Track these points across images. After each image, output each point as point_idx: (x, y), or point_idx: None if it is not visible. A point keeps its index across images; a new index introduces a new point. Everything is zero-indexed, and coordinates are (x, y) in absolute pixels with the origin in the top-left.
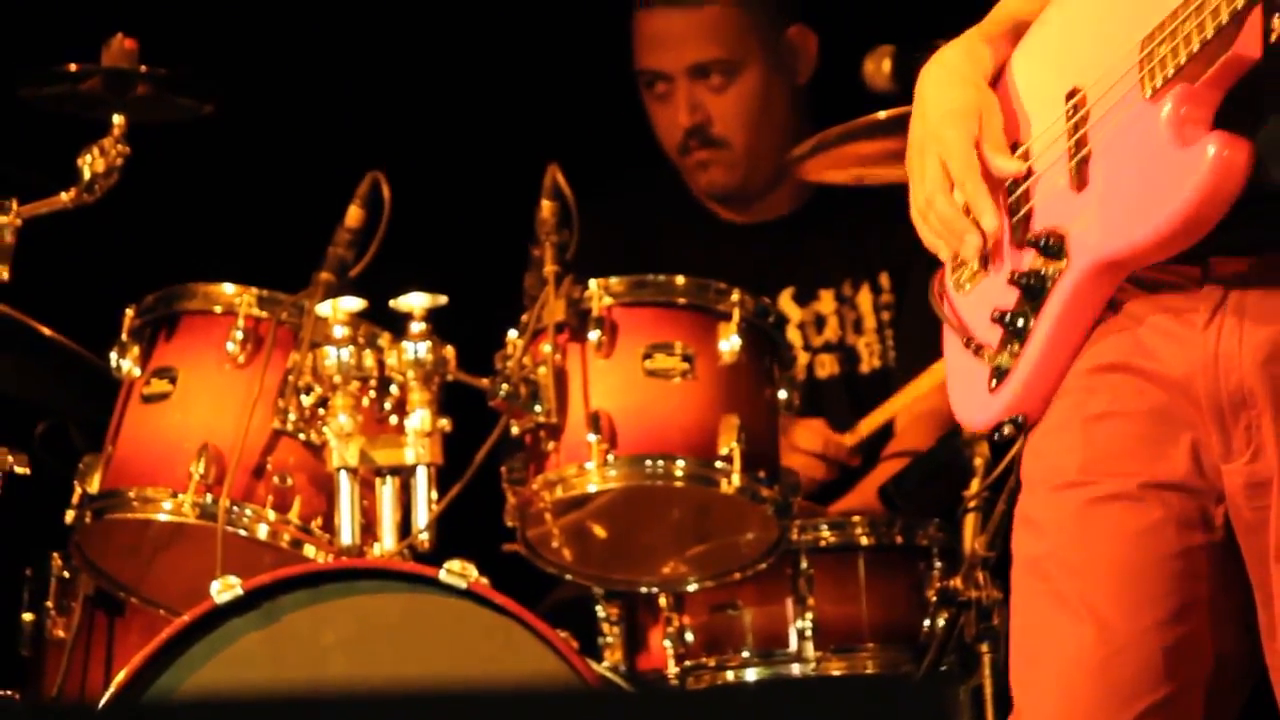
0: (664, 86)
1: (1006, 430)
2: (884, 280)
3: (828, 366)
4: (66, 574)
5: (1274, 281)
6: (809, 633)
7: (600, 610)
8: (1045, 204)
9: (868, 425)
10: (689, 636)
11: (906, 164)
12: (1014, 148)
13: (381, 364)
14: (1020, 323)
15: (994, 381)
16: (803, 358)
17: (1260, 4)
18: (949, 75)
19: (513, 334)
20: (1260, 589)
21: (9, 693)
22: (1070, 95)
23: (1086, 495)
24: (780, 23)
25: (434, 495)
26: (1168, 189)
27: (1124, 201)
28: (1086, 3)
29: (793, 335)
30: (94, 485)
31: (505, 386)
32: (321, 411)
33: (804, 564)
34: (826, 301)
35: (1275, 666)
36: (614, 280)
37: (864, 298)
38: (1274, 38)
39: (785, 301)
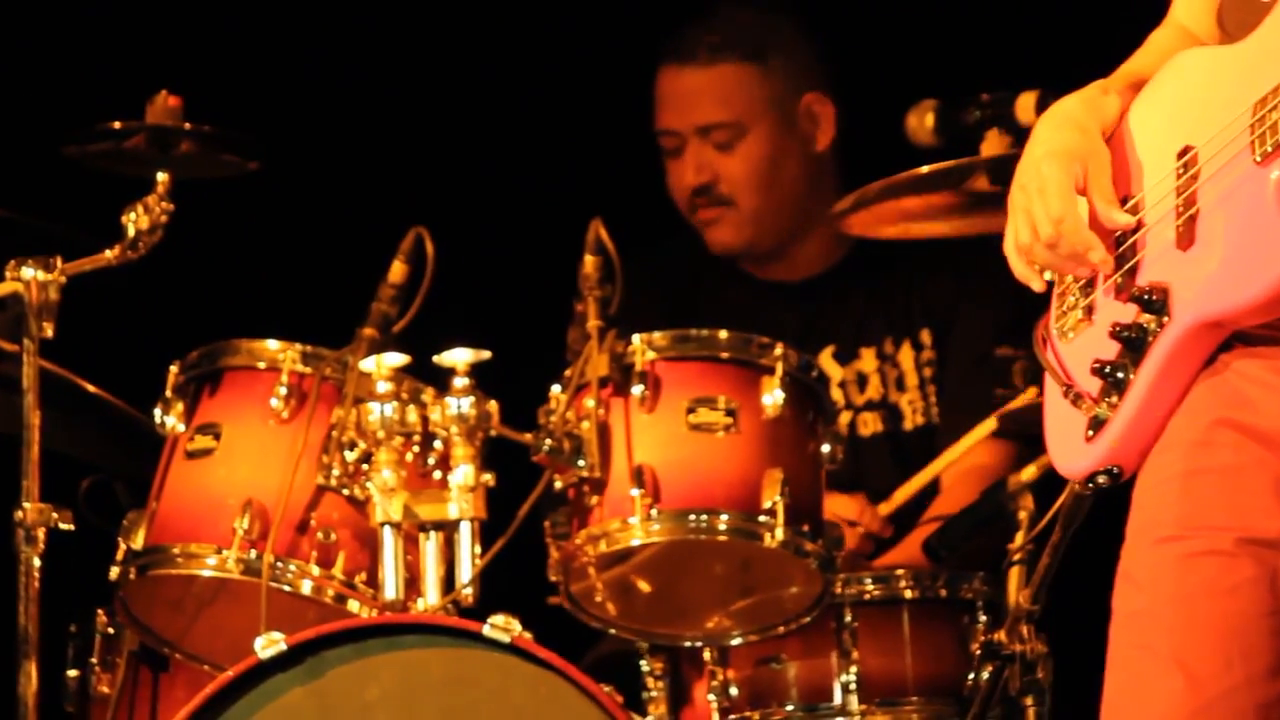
0: (674, 143)
1: (1101, 480)
2: (925, 337)
3: (871, 425)
4: (111, 630)
5: None
6: (853, 686)
7: (644, 664)
8: (1151, 259)
9: (903, 494)
10: (733, 690)
11: (1009, 200)
12: (1124, 200)
13: (425, 419)
14: (1120, 375)
15: (1091, 431)
16: (845, 416)
17: None
18: (1062, 119)
19: (556, 389)
20: None
21: None
22: (1182, 153)
23: (1182, 550)
24: (796, 88)
25: (477, 550)
26: (1272, 254)
27: (1228, 263)
28: (1202, 62)
29: (834, 394)
30: (138, 541)
31: (549, 441)
32: (365, 467)
33: (848, 617)
34: (868, 360)
35: None
36: (657, 335)
37: (905, 355)
38: None
39: (826, 360)
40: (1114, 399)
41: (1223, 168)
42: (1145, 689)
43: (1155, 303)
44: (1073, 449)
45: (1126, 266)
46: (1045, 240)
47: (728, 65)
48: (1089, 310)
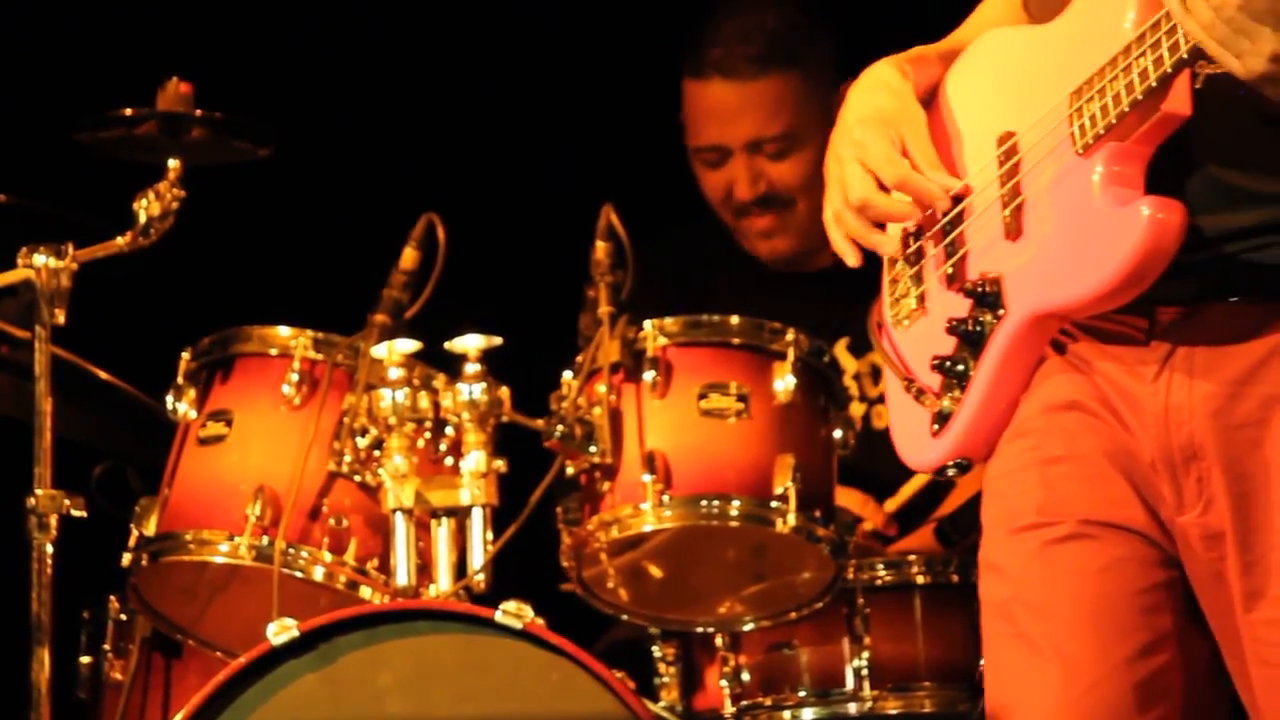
0: (717, 156)
1: (951, 473)
2: None
3: (885, 417)
4: (124, 616)
5: (1219, 333)
6: (865, 671)
7: (656, 650)
8: (980, 249)
9: (909, 489)
10: (745, 676)
11: (825, 169)
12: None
13: (437, 405)
14: (960, 368)
15: (937, 426)
16: (859, 408)
17: (1187, 67)
18: (874, 84)
19: (568, 375)
20: (1223, 636)
21: None
22: (1003, 139)
23: (1046, 536)
24: (832, 84)
25: (489, 536)
26: (1104, 248)
27: (1060, 256)
28: (1015, 44)
29: (849, 386)
30: (150, 528)
31: (560, 427)
32: (377, 453)
33: (860, 603)
34: None
35: (1250, 705)
36: (669, 321)
37: None
38: (1199, 85)
39: (841, 352)
40: (956, 393)
41: (1045, 157)
42: (1025, 678)
43: (988, 295)
44: (919, 443)
45: (955, 257)
46: (856, 204)
47: (773, 77)
48: (921, 299)
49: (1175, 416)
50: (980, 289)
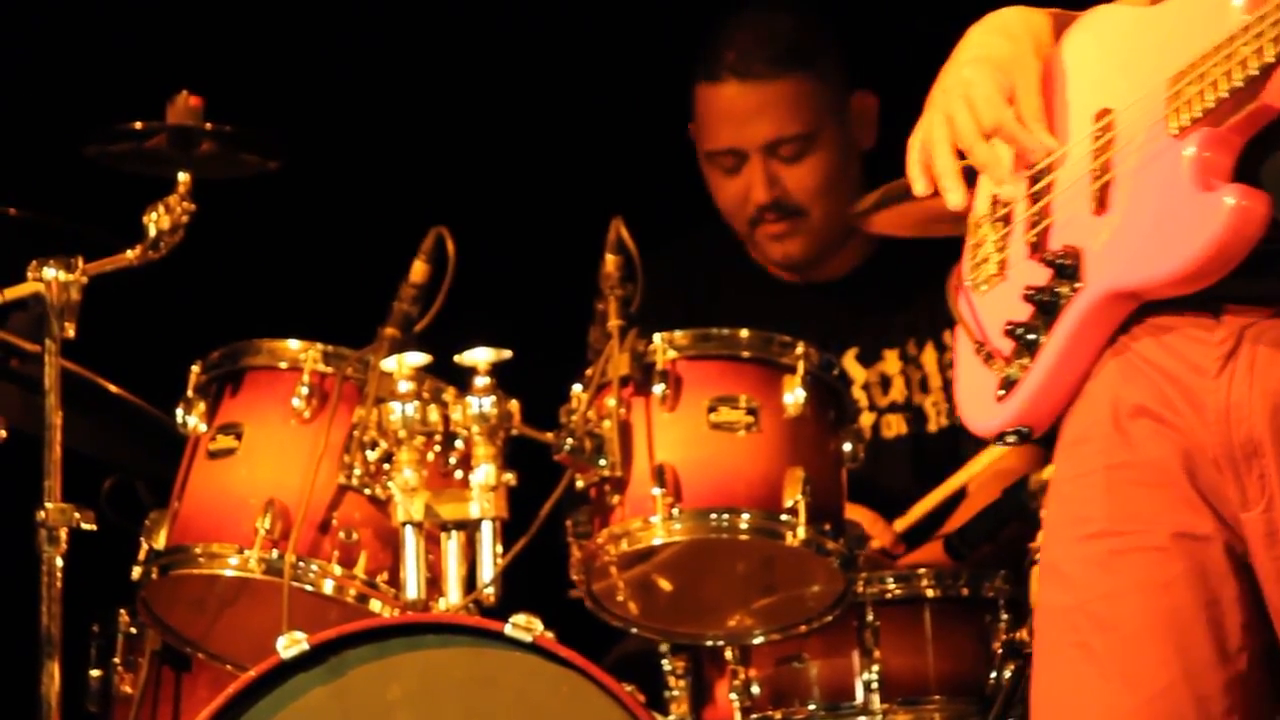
0: (732, 161)
1: (1010, 439)
2: (948, 338)
3: (894, 427)
4: (133, 630)
5: None
6: (875, 685)
7: (666, 663)
8: (1065, 221)
9: (919, 510)
10: (755, 689)
11: (928, 98)
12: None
13: (446, 419)
14: (1032, 337)
15: (1002, 391)
16: (868, 418)
17: None
18: (995, 28)
19: (577, 388)
20: None
21: None
22: (1100, 115)
23: (1113, 546)
24: (846, 87)
25: (499, 549)
26: (1186, 231)
27: (1143, 234)
28: (1122, 23)
29: (858, 396)
30: (160, 541)
31: (570, 440)
32: (387, 466)
33: (870, 616)
34: (891, 362)
35: None
36: (678, 334)
37: (929, 356)
38: None
39: (849, 362)
40: (1026, 360)
41: (1139, 136)
42: (1081, 688)
43: (1068, 267)
44: (983, 406)
45: (1040, 227)
46: (963, 146)
47: (789, 78)
48: (1001, 265)
49: (1236, 414)
50: (1061, 260)
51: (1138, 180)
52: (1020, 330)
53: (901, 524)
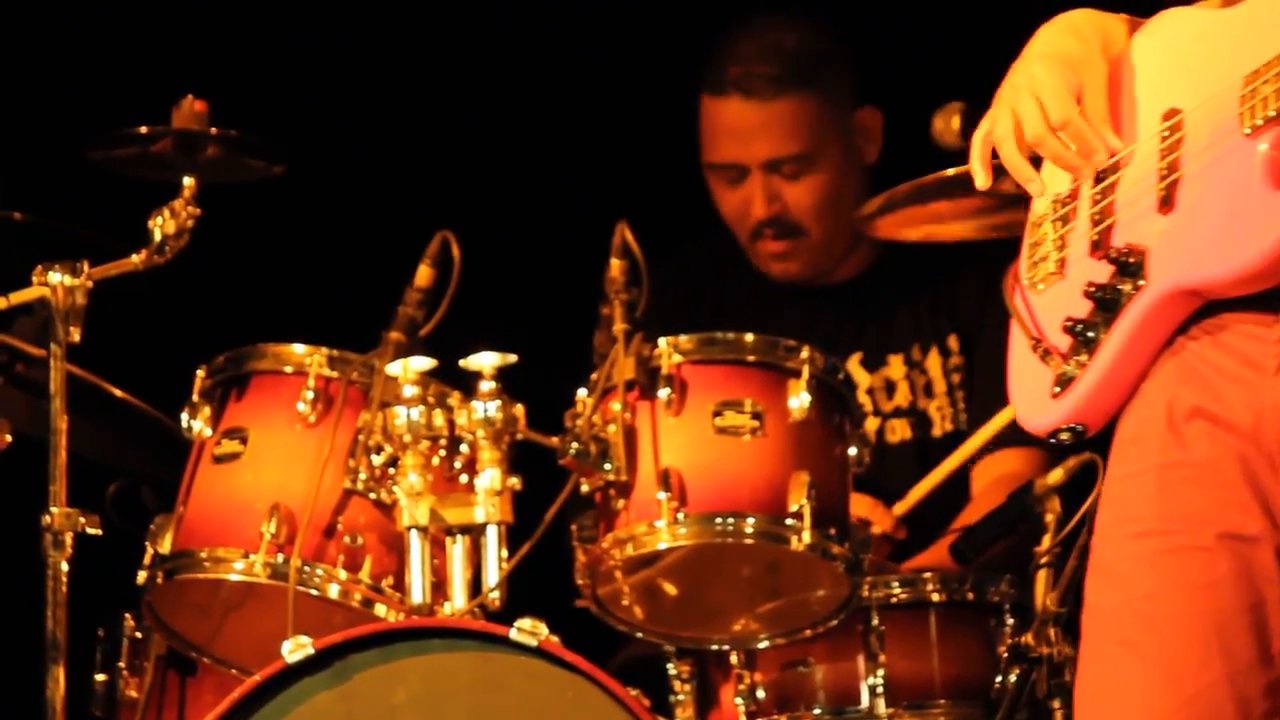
0: (734, 174)
1: (1064, 436)
2: (952, 343)
3: (899, 432)
4: (139, 634)
5: None
6: (880, 689)
7: (671, 668)
8: (1129, 220)
9: (918, 492)
10: (760, 693)
11: (997, 94)
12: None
13: (451, 423)
14: (1091, 334)
15: (1058, 388)
16: (873, 423)
17: None
18: (1066, 26)
19: (582, 392)
20: None
21: None
22: (1168, 115)
23: (1162, 545)
24: (850, 105)
25: (504, 554)
26: (1255, 229)
27: (1210, 232)
28: (1193, 24)
29: (862, 401)
30: (166, 545)
31: (575, 445)
32: (392, 471)
33: (875, 620)
34: (895, 366)
35: None
36: (683, 338)
37: (933, 361)
38: None
39: (854, 367)
40: (1083, 357)
41: (1210, 135)
42: (1123, 685)
43: (1132, 265)
44: (1038, 403)
45: (1103, 225)
46: (1031, 139)
47: (792, 97)
48: (1061, 264)
49: None
50: (1124, 257)
51: (1206, 179)
52: (1079, 326)
53: (900, 507)
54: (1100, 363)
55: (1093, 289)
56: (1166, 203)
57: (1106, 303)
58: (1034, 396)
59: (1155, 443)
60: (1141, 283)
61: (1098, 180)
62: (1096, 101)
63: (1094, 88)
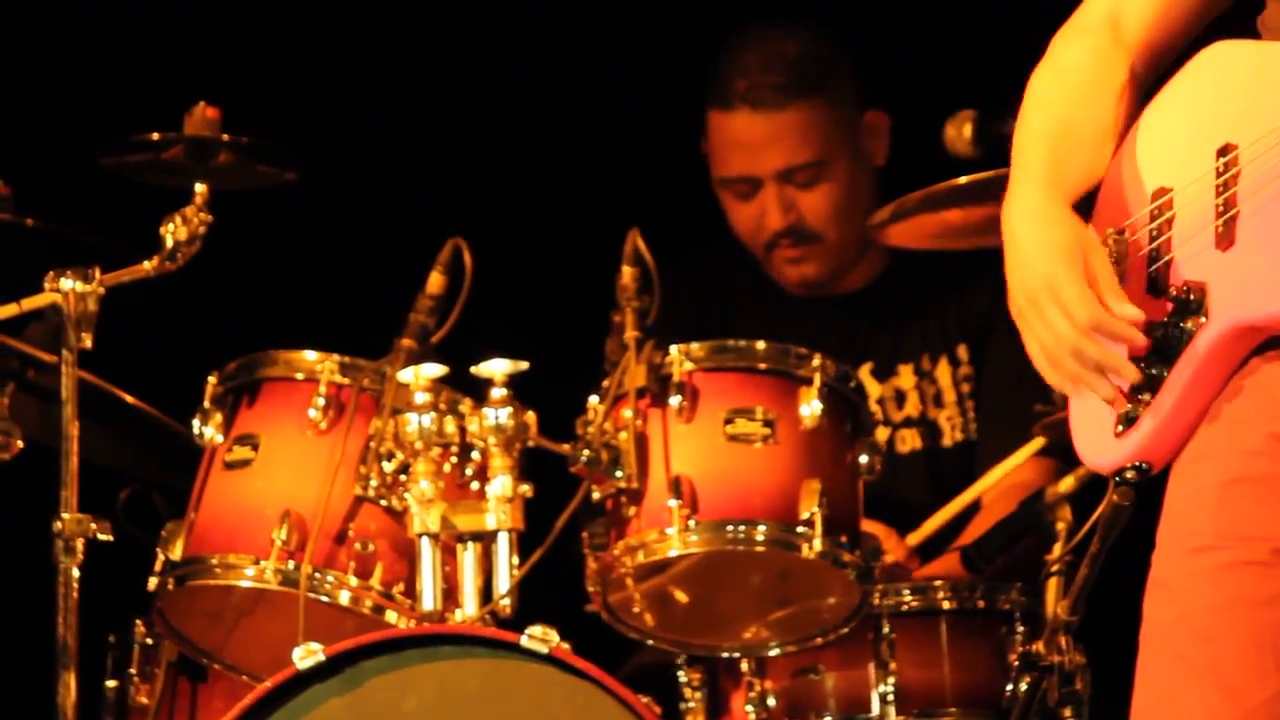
0: (746, 187)
1: (1129, 475)
2: (962, 352)
3: (909, 442)
4: (149, 641)
5: None
6: (891, 697)
7: (682, 675)
8: (1187, 256)
9: (933, 523)
10: (771, 701)
11: (1013, 309)
12: (1153, 195)
13: (463, 430)
14: (1153, 372)
15: (1121, 427)
16: (883, 433)
17: None
18: (1038, 216)
19: (594, 399)
20: None
21: None
22: (1223, 151)
23: (1219, 560)
24: (858, 109)
25: (515, 561)
26: None
27: (1270, 268)
28: (1247, 58)
29: (872, 411)
30: (177, 552)
31: (586, 452)
32: (403, 478)
33: (886, 628)
34: (905, 376)
35: None
36: (695, 346)
37: (943, 371)
38: None
39: (864, 377)
40: (1146, 396)
41: (1268, 170)
42: (1179, 700)
43: (1192, 302)
44: (1101, 443)
45: (1160, 261)
46: (1073, 350)
47: (800, 105)
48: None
49: None
50: (1184, 295)
51: (1267, 214)
52: (1141, 365)
53: (915, 538)
54: (1164, 401)
55: (1152, 327)
56: (1225, 239)
57: (1168, 340)
58: (1096, 435)
59: (1219, 460)
60: (1202, 320)
61: (1152, 218)
62: (1106, 276)
63: (1101, 264)
